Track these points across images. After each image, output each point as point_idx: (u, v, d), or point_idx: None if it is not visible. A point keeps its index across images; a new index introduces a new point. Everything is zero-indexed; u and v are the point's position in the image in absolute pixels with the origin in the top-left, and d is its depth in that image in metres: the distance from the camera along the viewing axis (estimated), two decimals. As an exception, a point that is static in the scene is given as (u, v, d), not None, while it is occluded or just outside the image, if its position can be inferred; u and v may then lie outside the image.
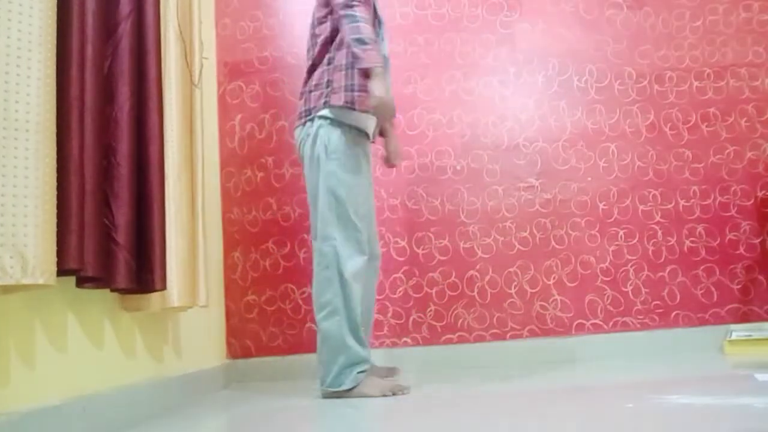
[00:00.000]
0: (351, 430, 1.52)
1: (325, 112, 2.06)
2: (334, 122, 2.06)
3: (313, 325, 2.65)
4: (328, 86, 2.07)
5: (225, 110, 2.90)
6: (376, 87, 1.96)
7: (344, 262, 2.00)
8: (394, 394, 1.98)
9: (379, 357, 2.70)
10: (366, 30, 1.98)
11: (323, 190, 2.04)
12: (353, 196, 2.05)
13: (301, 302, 2.76)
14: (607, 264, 2.76)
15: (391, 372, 2.37)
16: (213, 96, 2.85)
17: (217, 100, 2.90)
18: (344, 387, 1.97)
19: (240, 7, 2.96)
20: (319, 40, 2.12)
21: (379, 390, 1.98)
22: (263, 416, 1.82)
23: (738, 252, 2.78)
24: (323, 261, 2.02)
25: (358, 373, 1.99)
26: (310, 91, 2.12)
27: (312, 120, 2.08)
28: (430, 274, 2.76)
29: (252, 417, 1.83)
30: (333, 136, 2.05)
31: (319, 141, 2.06)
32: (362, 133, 2.13)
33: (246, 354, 2.74)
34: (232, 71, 2.92)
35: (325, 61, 2.11)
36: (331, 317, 1.99)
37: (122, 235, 1.58)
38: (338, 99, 2.04)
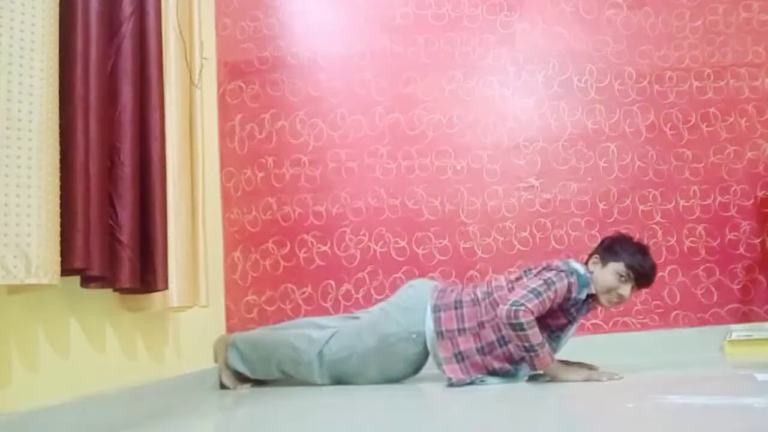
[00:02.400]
0: (351, 430, 1.52)
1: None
2: None
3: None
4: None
5: (225, 110, 2.90)
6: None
7: None
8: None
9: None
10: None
11: None
12: None
13: (301, 302, 2.76)
14: (607, 264, 2.75)
15: None
16: (213, 96, 2.85)
17: (217, 100, 2.89)
18: None
19: (240, 7, 2.96)
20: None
21: None
22: (263, 416, 1.82)
23: (738, 252, 2.78)
24: None
25: None
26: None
27: None
28: (430, 274, 2.76)
29: (252, 417, 1.83)
30: None
31: None
32: None
33: (246, 354, 2.74)
34: (232, 71, 2.92)
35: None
36: None
37: (126, 235, 1.58)
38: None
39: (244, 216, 2.83)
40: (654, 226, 2.80)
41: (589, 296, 2.12)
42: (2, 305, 1.26)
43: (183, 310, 2.04)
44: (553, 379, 2.02)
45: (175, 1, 2.01)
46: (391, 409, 1.81)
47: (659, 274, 2.72)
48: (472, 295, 2.19)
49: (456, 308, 2.17)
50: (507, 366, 2.12)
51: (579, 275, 2.09)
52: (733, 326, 2.70)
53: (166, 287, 1.75)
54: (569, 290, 2.06)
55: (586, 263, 2.18)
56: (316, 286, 2.76)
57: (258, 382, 2.48)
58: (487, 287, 2.20)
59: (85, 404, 1.46)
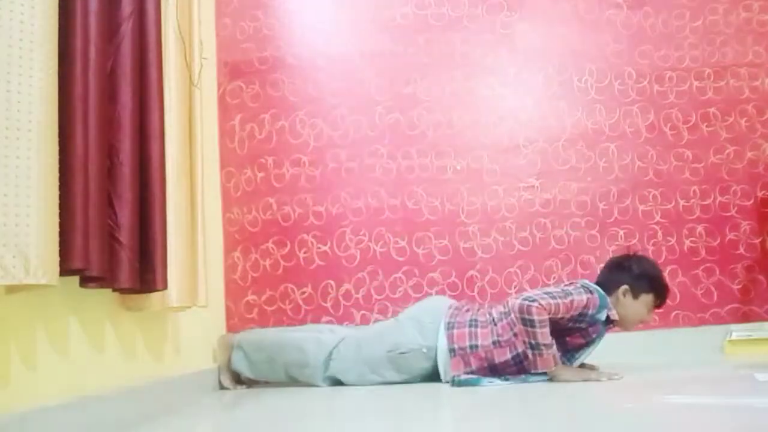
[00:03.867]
0: (353, 430, 1.52)
1: None
2: None
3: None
4: None
5: (225, 110, 2.90)
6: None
7: None
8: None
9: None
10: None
11: None
12: None
13: (301, 302, 2.76)
14: (607, 264, 2.75)
15: None
16: (213, 96, 2.84)
17: (217, 100, 2.89)
18: None
19: (240, 7, 2.96)
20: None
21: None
22: (263, 416, 1.82)
23: (738, 252, 2.78)
24: None
25: None
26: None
27: None
28: (430, 274, 2.76)
29: (252, 417, 1.83)
30: None
31: None
32: None
33: (246, 354, 2.74)
34: (232, 71, 2.92)
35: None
36: None
37: (125, 235, 1.58)
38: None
39: (244, 216, 2.83)
40: (654, 226, 2.79)
41: (609, 320, 2.12)
42: (1, 305, 1.26)
43: (182, 310, 2.05)
44: (552, 379, 2.02)
45: (175, 1, 2.01)
46: (391, 409, 1.81)
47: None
48: (488, 316, 2.19)
49: (470, 326, 2.16)
50: (517, 374, 2.11)
51: (600, 295, 2.09)
52: (733, 326, 2.70)
53: (165, 287, 1.75)
54: (587, 306, 2.05)
55: (607, 291, 2.14)
56: (316, 286, 2.76)
57: (256, 384, 2.48)
58: (504, 308, 2.18)
59: (84, 404, 1.46)
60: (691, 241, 2.79)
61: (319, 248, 2.79)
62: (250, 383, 2.47)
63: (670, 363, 2.37)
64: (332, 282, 2.76)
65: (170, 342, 2.09)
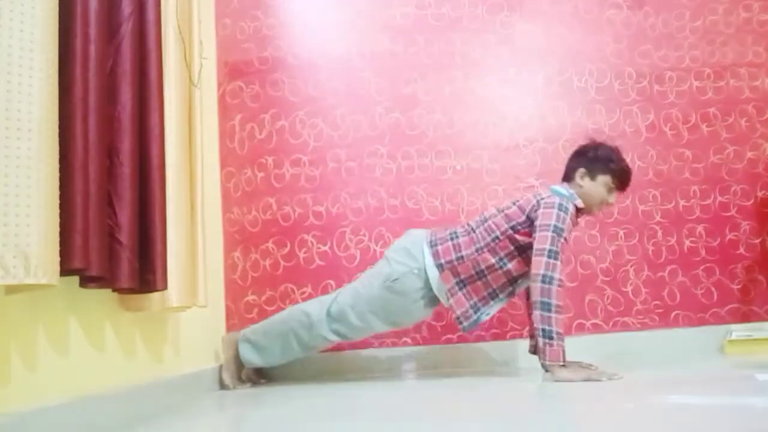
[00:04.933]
0: (354, 430, 1.52)
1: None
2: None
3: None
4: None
5: (225, 110, 2.90)
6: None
7: None
8: None
9: (379, 356, 2.70)
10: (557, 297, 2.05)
11: None
12: None
13: (301, 302, 2.75)
14: (607, 264, 2.76)
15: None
16: (213, 96, 2.85)
17: (217, 100, 2.89)
18: None
19: (240, 7, 2.96)
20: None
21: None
22: (263, 416, 1.82)
23: (738, 252, 2.78)
24: None
25: None
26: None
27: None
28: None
29: (252, 417, 1.83)
30: None
31: None
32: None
33: (246, 354, 2.74)
34: (232, 71, 2.92)
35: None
36: None
37: (125, 235, 1.58)
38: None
39: (244, 216, 2.83)
40: (654, 226, 2.80)
41: (578, 210, 2.23)
42: (1, 305, 1.26)
43: (182, 310, 2.05)
44: (552, 378, 2.02)
45: (175, 1, 2.01)
46: (391, 408, 1.81)
47: (659, 274, 2.75)
48: (466, 226, 2.29)
49: (452, 239, 2.25)
50: (507, 286, 2.21)
51: (566, 194, 2.20)
52: (733, 326, 2.70)
53: (165, 287, 1.75)
54: (568, 213, 2.14)
55: (568, 179, 2.28)
56: (316, 286, 2.76)
57: (257, 383, 2.48)
58: (479, 217, 2.30)
59: (84, 404, 1.46)
60: (691, 241, 2.79)
61: (319, 248, 2.79)
62: (255, 380, 2.47)
63: (670, 363, 2.37)
64: (332, 282, 2.76)
65: (170, 342, 2.09)
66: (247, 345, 2.42)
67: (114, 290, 1.65)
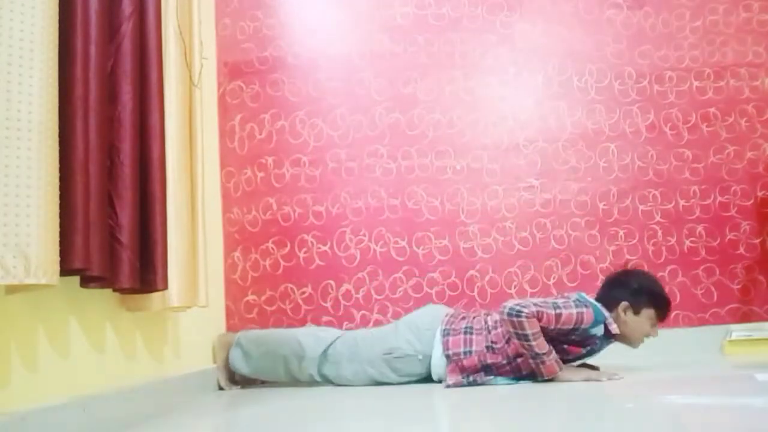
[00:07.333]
0: (353, 430, 1.52)
1: None
2: None
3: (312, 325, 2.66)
4: None
5: (225, 110, 2.90)
6: None
7: None
8: None
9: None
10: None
11: None
12: None
13: (301, 302, 2.76)
14: (607, 264, 2.76)
15: None
16: (213, 96, 2.85)
17: (217, 100, 2.89)
18: None
19: (240, 7, 2.96)
20: None
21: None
22: (263, 416, 1.82)
23: (738, 252, 2.78)
24: None
25: None
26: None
27: None
28: (430, 274, 2.76)
29: (252, 417, 1.83)
30: None
31: None
32: None
33: (246, 354, 2.74)
34: (232, 71, 2.92)
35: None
36: None
37: (126, 235, 1.58)
38: None
39: (244, 216, 2.83)
40: (654, 226, 2.79)
41: (610, 335, 2.10)
42: (1, 305, 1.26)
43: (182, 310, 2.05)
44: (553, 379, 2.02)
45: (175, 1, 2.01)
46: (390, 409, 1.81)
47: (659, 274, 2.74)
48: (483, 323, 2.19)
49: (465, 333, 2.17)
50: (512, 379, 2.12)
51: (596, 310, 2.06)
52: (733, 326, 2.70)
53: (165, 287, 1.75)
54: (578, 321, 2.02)
55: (607, 305, 2.13)
56: (316, 286, 2.76)
57: (250, 384, 2.48)
58: (498, 314, 2.15)
59: (84, 404, 1.46)
60: (691, 241, 2.79)
61: (319, 248, 2.79)
62: (245, 383, 2.47)
63: (670, 363, 2.37)
64: (332, 282, 2.76)
65: (170, 342, 2.09)
66: (237, 351, 2.41)
67: (114, 290, 1.65)
